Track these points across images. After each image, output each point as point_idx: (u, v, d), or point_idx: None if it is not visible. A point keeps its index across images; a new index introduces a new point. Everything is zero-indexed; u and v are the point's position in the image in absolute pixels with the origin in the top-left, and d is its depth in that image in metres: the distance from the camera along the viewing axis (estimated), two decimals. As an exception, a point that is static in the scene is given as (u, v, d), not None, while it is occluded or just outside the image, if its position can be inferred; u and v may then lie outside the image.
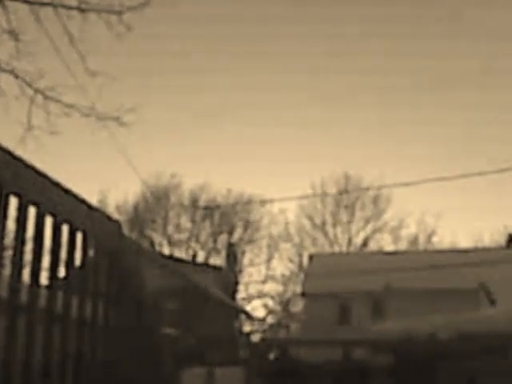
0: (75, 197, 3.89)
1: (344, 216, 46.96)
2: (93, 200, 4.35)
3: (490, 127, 60.50)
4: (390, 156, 61.13)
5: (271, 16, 56.62)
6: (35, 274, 3.43)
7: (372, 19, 55.64)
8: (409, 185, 31.79)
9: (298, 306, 42.94)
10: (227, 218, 46.16)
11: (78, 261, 3.90)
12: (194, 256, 43.66)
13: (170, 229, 46.27)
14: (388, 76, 58.91)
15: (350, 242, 46.91)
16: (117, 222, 4.58)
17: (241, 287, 45.32)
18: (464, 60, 55.60)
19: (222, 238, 46.03)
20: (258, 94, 59.50)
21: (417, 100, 59.17)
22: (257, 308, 46.25)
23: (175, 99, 58.76)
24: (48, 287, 3.59)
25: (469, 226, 74.20)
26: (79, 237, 3.88)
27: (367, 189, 45.26)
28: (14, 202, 3.28)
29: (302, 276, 39.59)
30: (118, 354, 4.33)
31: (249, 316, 40.02)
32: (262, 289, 46.43)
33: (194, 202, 46.08)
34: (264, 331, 43.24)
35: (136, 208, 45.98)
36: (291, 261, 46.87)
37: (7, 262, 3.29)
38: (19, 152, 3.39)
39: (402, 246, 46.32)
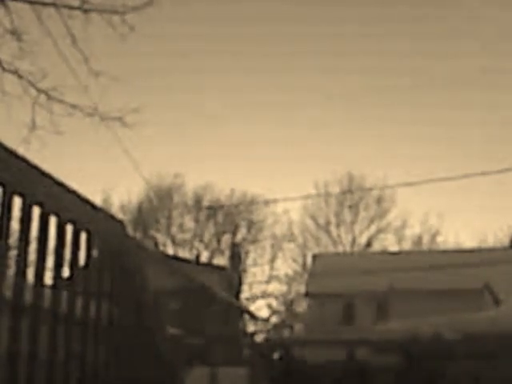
0: (79, 197, 3.89)
1: (348, 216, 46.95)
2: (97, 200, 4.35)
3: (491, 127, 60.47)
4: (393, 156, 61.12)
5: (271, 16, 56.67)
6: (39, 273, 3.43)
7: (372, 19, 55.67)
8: (412, 185, 31.80)
9: (301, 306, 42.95)
10: (231, 218, 46.17)
11: (81, 261, 3.90)
12: (198, 256, 43.67)
13: (174, 229, 46.31)
14: (388, 76, 58.91)
15: (353, 242, 46.89)
16: (121, 221, 4.57)
17: (244, 287, 45.32)
18: (464, 60, 55.57)
19: (226, 238, 46.05)
20: (258, 94, 59.57)
21: (417, 100, 59.15)
22: (260, 308, 46.29)
23: (177, 99, 58.84)
24: (52, 287, 3.59)
25: (472, 226, 74.20)
26: (83, 237, 3.88)
27: (371, 189, 45.28)
28: (17, 202, 3.28)
29: (305, 276, 39.57)
30: (121, 353, 4.33)
31: (252, 316, 40.01)
32: (266, 289, 46.46)
33: (198, 202, 46.11)
34: (268, 331, 43.23)
35: (140, 208, 46.03)
36: (295, 261, 46.89)
37: (11, 262, 3.29)
38: (23, 152, 3.39)
39: (406, 246, 46.30)
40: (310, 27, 55.46)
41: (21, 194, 3.28)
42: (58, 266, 3.64)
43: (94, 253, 4.05)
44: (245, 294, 45.34)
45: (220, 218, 46.12)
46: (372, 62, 57.66)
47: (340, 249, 46.03)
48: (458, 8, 54.69)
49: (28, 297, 3.32)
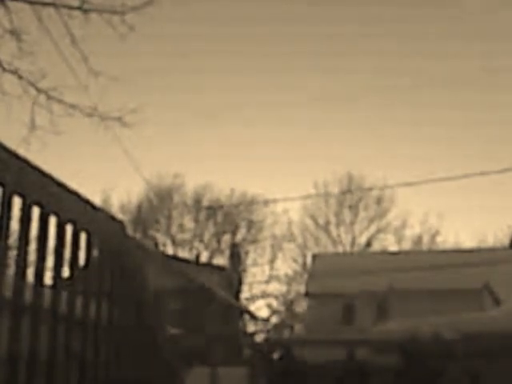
0: (79, 197, 3.89)
1: (347, 216, 46.95)
2: (96, 200, 4.35)
3: (491, 127, 60.48)
4: (392, 156, 61.11)
5: (271, 16, 56.70)
6: (39, 274, 3.44)
7: (372, 19, 55.66)
8: (412, 185, 31.77)
9: (301, 306, 42.95)
10: (230, 218, 46.16)
11: (81, 261, 3.90)
12: (198, 256, 43.66)
13: (174, 229, 46.30)
14: (388, 76, 58.93)
15: (353, 242, 46.88)
16: (120, 221, 4.58)
17: (244, 287, 45.31)
18: (464, 60, 55.59)
19: (226, 238, 46.04)
20: (258, 94, 59.57)
21: (417, 100, 59.15)
22: (260, 308, 46.28)
23: (177, 99, 58.84)
24: (52, 287, 3.59)
25: (472, 226, 74.23)
26: (83, 237, 3.88)
27: (370, 189, 45.26)
28: (17, 202, 3.28)
29: (305, 276, 39.58)
30: (121, 353, 4.33)
31: (252, 316, 40.00)
32: (266, 289, 46.45)
33: (198, 202, 46.10)
34: (268, 331, 43.23)
35: (139, 208, 46.02)
36: (295, 261, 46.88)
37: (11, 262, 3.29)
38: (22, 152, 3.40)
39: (406, 246, 46.28)
40: (309, 27, 55.51)
41: (20, 194, 3.29)
42: (58, 266, 3.64)
43: (94, 253, 4.05)
44: (245, 294, 45.35)
45: (220, 218, 46.11)
46: (372, 62, 57.70)
47: (340, 249, 46.03)
48: (458, 8, 54.74)
49: (28, 297, 3.32)
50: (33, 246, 3.40)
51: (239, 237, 46.06)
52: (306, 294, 34.33)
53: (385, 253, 39.23)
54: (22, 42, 10.51)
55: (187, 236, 46.30)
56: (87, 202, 3.99)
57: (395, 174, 56.77)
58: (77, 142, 51.59)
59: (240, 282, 42.70)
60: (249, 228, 46.57)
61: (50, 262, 3.57)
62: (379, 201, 46.76)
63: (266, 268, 46.39)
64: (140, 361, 4.65)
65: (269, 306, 46.26)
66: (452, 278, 29.58)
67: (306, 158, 60.26)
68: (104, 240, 4.20)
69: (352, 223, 46.99)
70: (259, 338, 39.75)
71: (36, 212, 3.43)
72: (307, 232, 47.15)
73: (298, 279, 45.27)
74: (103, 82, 10.78)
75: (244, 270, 44.85)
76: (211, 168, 62.32)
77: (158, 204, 46.30)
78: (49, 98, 10.59)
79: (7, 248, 3.19)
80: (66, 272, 3.73)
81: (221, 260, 44.22)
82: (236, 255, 40.20)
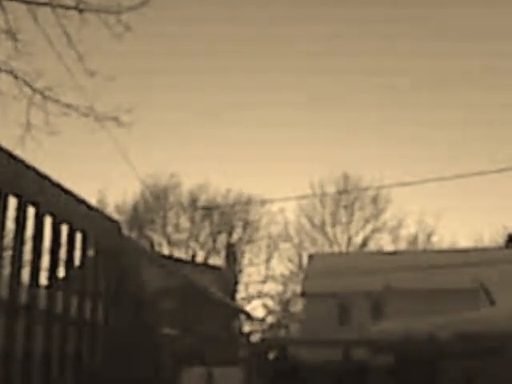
0: (74, 197, 3.89)
1: (343, 216, 46.98)
2: (92, 200, 4.35)
3: (489, 127, 60.57)
4: (389, 156, 61.20)
5: (271, 16, 56.73)
6: (35, 273, 3.43)
7: (372, 19, 55.72)
8: (408, 185, 31.84)
9: (297, 306, 42.96)
10: (226, 218, 46.15)
11: (77, 261, 3.90)
12: (194, 256, 43.64)
13: (170, 229, 46.26)
14: (388, 76, 59.02)
15: (349, 241, 46.92)
16: (116, 222, 4.57)
17: (240, 287, 45.31)
18: (464, 60, 55.68)
19: (222, 238, 46.02)
20: (257, 94, 59.57)
21: (417, 100, 59.23)
22: (256, 308, 46.28)
23: (175, 99, 58.82)
24: (47, 287, 3.59)
25: (468, 226, 74.37)
26: (78, 237, 3.88)
27: (366, 189, 45.30)
28: (13, 202, 3.28)
29: (301, 276, 39.59)
30: (117, 353, 4.33)
31: (248, 316, 39.99)
32: (262, 289, 46.45)
33: (194, 201, 46.08)
34: (264, 331, 43.23)
35: (135, 208, 45.96)
36: (291, 261, 46.90)
37: (7, 262, 3.28)
38: (18, 152, 3.39)
39: (402, 245, 46.33)
40: (310, 27, 55.54)
41: (16, 194, 3.28)
42: (54, 265, 3.64)
43: (90, 253, 4.05)
44: (241, 293, 45.35)
45: (216, 217, 46.08)
46: (372, 62, 57.77)
47: (336, 249, 46.06)
48: (458, 8, 54.82)
49: (23, 297, 3.32)
50: (28, 246, 3.40)
51: (235, 237, 46.07)
52: (302, 294, 34.34)
53: (381, 253, 39.26)
54: (17, 41, 10.50)
55: (183, 236, 46.29)
56: (83, 202, 3.99)
57: (392, 174, 56.80)
58: (72, 142, 51.47)
59: (236, 282, 42.71)
60: (245, 228, 46.57)
61: (45, 261, 3.57)
62: (375, 201, 46.84)
63: (262, 268, 46.44)
64: (135, 360, 4.65)
65: (265, 305, 46.29)
66: (447, 278, 29.63)
67: (301, 158, 60.37)
68: (99, 240, 4.20)
69: (348, 223, 47.05)
70: (255, 337, 39.76)
71: (31, 212, 3.42)
72: (303, 232, 47.21)
73: (293, 279, 45.29)
74: (99, 81, 10.78)
75: (240, 270, 44.85)
76: (207, 168, 62.41)
77: (154, 204, 46.27)
78: (44, 97, 10.58)
79: (3, 248, 3.19)
80: (61, 272, 3.73)
81: (217, 260, 44.22)
82: (232, 255, 40.20)
